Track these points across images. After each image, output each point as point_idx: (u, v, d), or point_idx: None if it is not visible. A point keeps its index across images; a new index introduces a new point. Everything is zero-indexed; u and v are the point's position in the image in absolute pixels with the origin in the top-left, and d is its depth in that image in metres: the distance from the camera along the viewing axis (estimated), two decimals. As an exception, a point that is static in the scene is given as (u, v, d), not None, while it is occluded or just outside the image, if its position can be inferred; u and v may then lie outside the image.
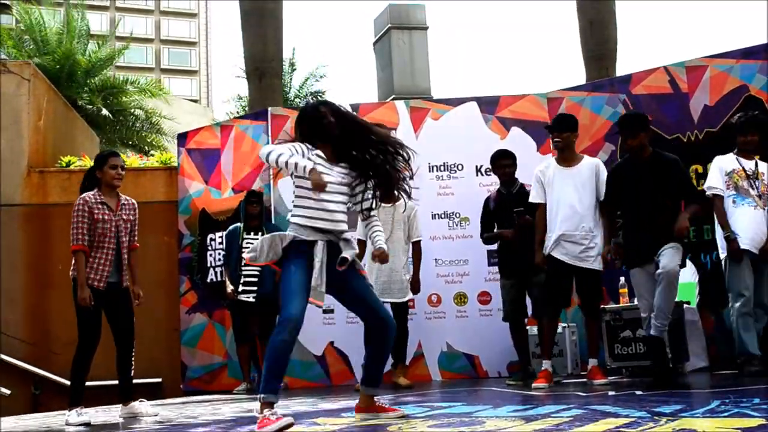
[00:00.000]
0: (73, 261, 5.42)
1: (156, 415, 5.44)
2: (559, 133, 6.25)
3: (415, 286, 7.13)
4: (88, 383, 5.41)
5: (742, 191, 6.01)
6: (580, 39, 12.82)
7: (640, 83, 7.82)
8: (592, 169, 6.20)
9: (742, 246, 5.91)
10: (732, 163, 6.11)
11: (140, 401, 5.63)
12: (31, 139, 9.68)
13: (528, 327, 7.02)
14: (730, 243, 5.93)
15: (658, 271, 5.48)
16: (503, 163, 6.88)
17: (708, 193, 6.13)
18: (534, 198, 6.41)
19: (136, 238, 5.83)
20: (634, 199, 5.73)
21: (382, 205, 6.71)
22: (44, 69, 14.92)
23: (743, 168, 6.06)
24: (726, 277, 6.04)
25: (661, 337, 5.53)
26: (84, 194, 5.52)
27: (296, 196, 4.16)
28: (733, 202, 6.02)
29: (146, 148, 19.88)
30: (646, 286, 5.67)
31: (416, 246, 7.18)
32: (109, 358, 5.59)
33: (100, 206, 5.49)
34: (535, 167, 6.51)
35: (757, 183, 6.04)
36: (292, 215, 4.15)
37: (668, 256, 5.49)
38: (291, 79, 25.51)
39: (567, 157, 6.28)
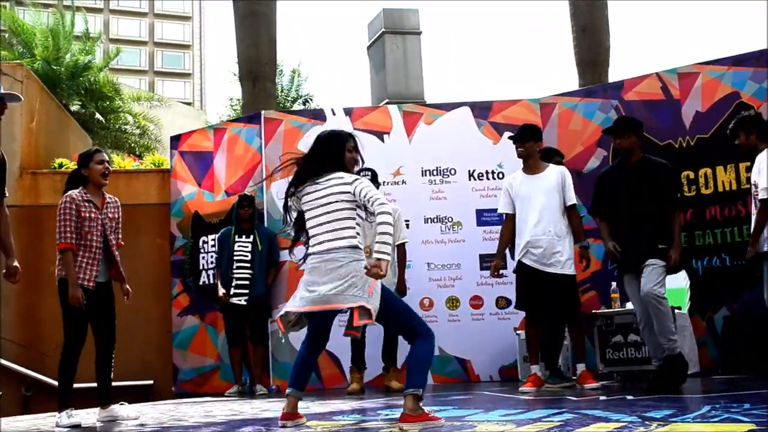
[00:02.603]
0: (59, 260, 5.28)
1: (136, 418, 5.33)
2: (522, 143, 6.35)
3: (401, 288, 7.13)
4: (75, 385, 5.33)
5: None
6: (573, 45, 12.87)
7: (632, 89, 7.86)
8: (558, 175, 6.28)
9: None
10: None
11: (120, 404, 5.50)
12: (23, 141, 9.66)
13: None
14: None
15: (641, 294, 5.47)
16: None
17: (762, 196, 5.28)
18: (502, 208, 6.51)
19: (120, 236, 5.65)
20: (622, 204, 5.70)
21: None
22: (33, 71, 14.87)
23: None
24: None
25: (675, 355, 5.39)
26: (70, 192, 5.36)
27: (357, 224, 4.15)
28: None
29: (138, 151, 19.85)
30: (635, 294, 5.63)
31: (401, 249, 7.19)
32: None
33: (86, 204, 5.34)
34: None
35: None
36: (359, 241, 4.13)
37: (646, 275, 5.43)
38: (281, 81, 25.45)
39: (531, 166, 6.38)
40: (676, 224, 5.60)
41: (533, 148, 6.36)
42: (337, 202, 4.11)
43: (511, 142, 6.51)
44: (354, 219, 4.12)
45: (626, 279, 5.73)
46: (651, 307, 5.38)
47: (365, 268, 3.92)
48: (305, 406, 5.59)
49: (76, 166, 5.61)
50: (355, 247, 4.07)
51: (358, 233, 4.12)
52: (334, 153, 4.23)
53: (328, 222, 4.11)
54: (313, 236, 4.16)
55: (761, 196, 5.26)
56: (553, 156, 6.88)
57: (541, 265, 6.13)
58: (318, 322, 4.23)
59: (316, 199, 4.16)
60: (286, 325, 4.20)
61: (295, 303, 4.13)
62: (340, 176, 4.15)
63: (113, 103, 19.61)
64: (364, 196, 4.02)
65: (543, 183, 6.26)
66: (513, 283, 7.52)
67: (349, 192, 4.09)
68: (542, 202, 6.20)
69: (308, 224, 4.21)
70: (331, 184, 4.14)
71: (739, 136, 5.72)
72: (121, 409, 5.41)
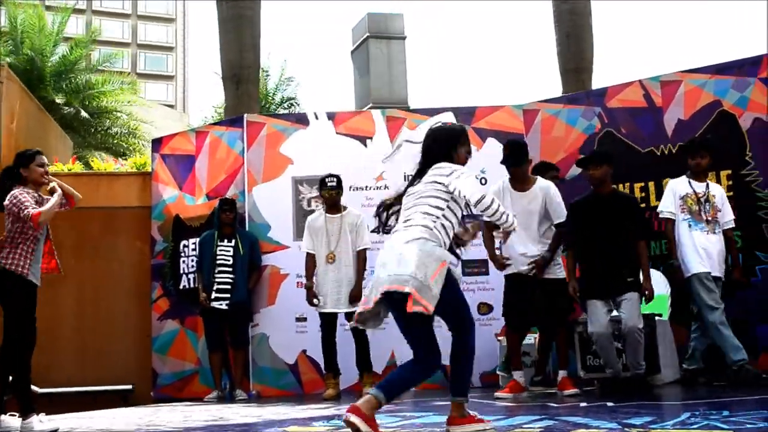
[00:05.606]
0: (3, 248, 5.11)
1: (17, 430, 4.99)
2: (519, 167, 6.27)
3: (357, 295, 6.87)
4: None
5: (695, 215, 6.26)
6: (557, 52, 12.89)
7: (615, 96, 7.88)
8: (541, 195, 6.26)
9: (704, 270, 6.14)
10: (685, 187, 6.35)
11: (11, 415, 5.20)
12: (2, 142, 9.56)
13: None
14: (674, 271, 6.34)
15: (622, 327, 5.79)
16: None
17: (661, 216, 6.42)
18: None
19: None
20: (595, 233, 5.99)
21: (329, 215, 7.13)
22: (15, 68, 14.75)
23: (695, 191, 6.30)
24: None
25: (642, 373, 5.96)
26: (18, 189, 5.22)
27: (447, 220, 4.00)
28: (689, 225, 6.26)
29: (122, 151, 19.78)
30: (600, 318, 5.84)
31: (361, 255, 7.18)
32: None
33: (39, 200, 5.26)
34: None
35: (707, 207, 6.26)
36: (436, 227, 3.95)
37: (627, 310, 5.78)
38: (266, 84, 25.33)
39: (520, 181, 6.30)
40: (644, 256, 6.01)
41: (526, 167, 6.37)
42: (428, 190, 4.03)
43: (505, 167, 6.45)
44: (440, 209, 3.98)
45: (591, 303, 5.93)
46: (631, 339, 5.76)
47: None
48: (284, 411, 5.57)
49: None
50: (428, 230, 3.90)
51: (439, 224, 3.94)
52: (443, 153, 4.25)
53: (413, 207, 4.02)
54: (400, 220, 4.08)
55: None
56: (549, 170, 6.94)
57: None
58: (395, 309, 3.88)
59: (415, 191, 4.09)
60: (364, 322, 4.01)
61: (369, 293, 3.93)
62: (440, 166, 4.10)
63: (99, 102, 19.51)
64: (461, 195, 3.96)
65: (528, 203, 6.23)
66: (494, 289, 7.51)
67: (443, 183, 4.00)
68: (522, 224, 5.94)
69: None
70: (429, 173, 4.09)
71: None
72: (12, 421, 5.15)
